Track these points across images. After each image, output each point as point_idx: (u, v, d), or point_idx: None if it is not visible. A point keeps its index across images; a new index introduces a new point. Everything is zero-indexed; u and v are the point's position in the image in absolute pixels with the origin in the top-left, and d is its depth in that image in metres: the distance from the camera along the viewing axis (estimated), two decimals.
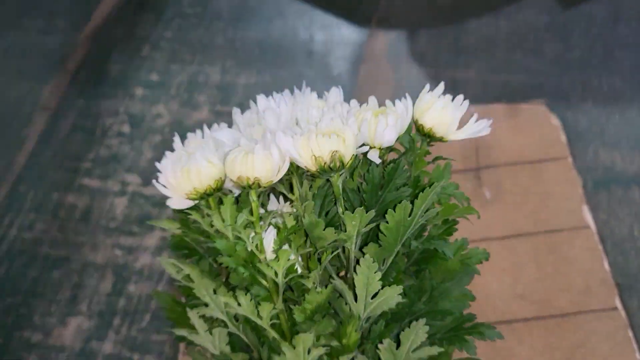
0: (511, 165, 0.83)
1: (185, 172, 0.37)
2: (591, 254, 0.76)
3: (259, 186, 0.35)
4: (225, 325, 0.39)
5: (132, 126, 0.93)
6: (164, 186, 0.39)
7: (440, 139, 0.40)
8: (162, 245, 0.82)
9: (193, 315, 0.38)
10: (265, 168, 0.34)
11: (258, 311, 0.37)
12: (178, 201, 0.38)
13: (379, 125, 0.36)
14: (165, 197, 0.41)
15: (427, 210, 0.38)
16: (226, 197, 0.36)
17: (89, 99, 0.97)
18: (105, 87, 0.99)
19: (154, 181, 0.42)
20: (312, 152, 0.34)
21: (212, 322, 0.41)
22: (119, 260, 0.81)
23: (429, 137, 0.40)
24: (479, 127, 0.40)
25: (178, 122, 0.93)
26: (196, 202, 0.38)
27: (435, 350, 0.39)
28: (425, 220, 0.39)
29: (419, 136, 0.40)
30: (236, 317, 0.40)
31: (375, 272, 0.36)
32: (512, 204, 0.81)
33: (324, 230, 0.36)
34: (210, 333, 0.39)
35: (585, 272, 0.76)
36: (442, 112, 0.39)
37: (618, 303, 0.73)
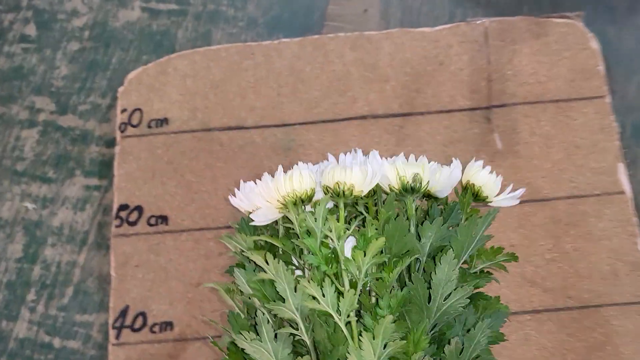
0: (531, 105, 0.65)
1: (289, 177, 0.41)
2: (622, 229, 0.60)
3: (351, 194, 0.40)
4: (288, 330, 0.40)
5: (39, 27, 0.73)
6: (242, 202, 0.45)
7: (485, 199, 0.47)
8: (87, 196, 0.66)
9: (261, 317, 0.39)
10: (359, 178, 0.40)
11: (338, 305, 0.38)
12: (265, 214, 0.42)
13: (442, 173, 0.45)
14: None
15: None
16: (322, 198, 0.40)
17: None
18: None
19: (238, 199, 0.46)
20: (397, 172, 0.41)
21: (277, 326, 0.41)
22: (31, 215, 0.65)
23: (476, 196, 0.46)
24: (513, 195, 0.46)
25: (101, 24, 0.72)
26: (284, 212, 0.42)
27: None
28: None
29: (465, 195, 0.46)
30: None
31: (453, 270, 0.39)
32: (528, 158, 0.63)
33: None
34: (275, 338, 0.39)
35: (614, 253, 0.60)
36: (489, 177, 0.46)
37: None
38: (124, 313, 0.62)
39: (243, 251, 0.43)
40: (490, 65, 0.66)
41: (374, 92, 0.66)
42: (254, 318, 0.41)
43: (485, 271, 0.45)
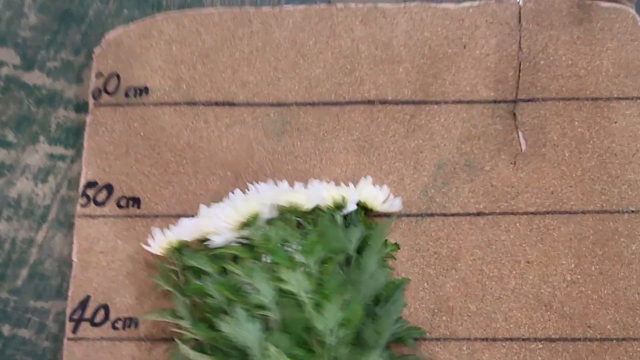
0: (564, 101, 0.56)
1: (246, 202, 0.51)
2: None
3: (298, 210, 0.52)
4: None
5: None
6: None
7: (372, 210, 0.55)
8: (50, 166, 0.58)
9: (238, 308, 0.49)
10: (305, 198, 0.51)
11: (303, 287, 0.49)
12: (223, 236, 0.51)
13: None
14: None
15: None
16: (277, 216, 0.52)
17: None
18: None
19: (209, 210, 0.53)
20: (331, 194, 0.52)
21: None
22: None
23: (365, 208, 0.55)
24: (395, 203, 0.55)
25: None
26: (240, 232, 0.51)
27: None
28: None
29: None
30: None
31: (374, 257, 0.51)
32: (555, 163, 0.55)
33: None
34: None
35: None
36: (371, 191, 0.54)
37: None
38: (83, 304, 0.55)
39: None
40: (521, 52, 0.57)
41: (385, 74, 0.57)
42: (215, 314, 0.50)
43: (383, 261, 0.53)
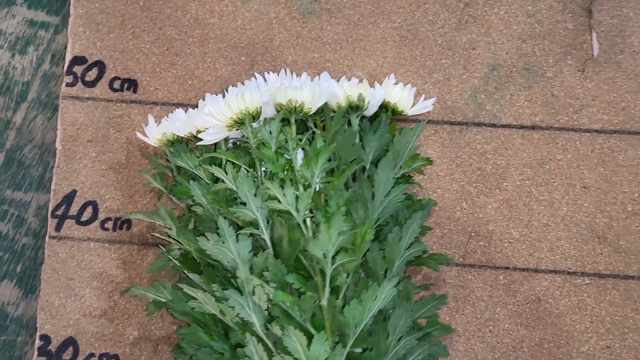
0: None
1: (240, 96, 0.43)
2: None
3: (301, 111, 0.44)
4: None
5: None
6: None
7: (401, 113, 0.48)
8: (30, 35, 0.49)
9: (222, 221, 0.42)
10: (310, 96, 0.44)
11: (297, 204, 0.43)
12: (213, 133, 0.44)
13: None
14: None
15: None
16: (276, 115, 0.44)
17: None
18: None
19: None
20: (345, 92, 0.45)
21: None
22: None
23: (394, 111, 0.48)
24: (426, 104, 0.48)
25: None
26: (237, 128, 0.45)
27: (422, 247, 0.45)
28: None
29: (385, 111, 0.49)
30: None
31: (391, 171, 0.44)
32: (633, 75, 0.48)
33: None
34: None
35: None
36: (401, 92, 0.47)
37: None
38: (68, 199, 0.48)
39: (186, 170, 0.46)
40: None
41: None
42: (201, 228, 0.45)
43: (407, 175, 0.47)
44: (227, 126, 0.44)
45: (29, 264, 0.49)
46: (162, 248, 0.45)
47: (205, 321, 0.44)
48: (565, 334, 0.46)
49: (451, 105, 0.48)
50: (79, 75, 0.48)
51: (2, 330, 0.48)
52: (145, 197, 0.48)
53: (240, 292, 0.42)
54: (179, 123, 0.45)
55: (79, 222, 0.48)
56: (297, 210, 0.42)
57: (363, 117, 0.47)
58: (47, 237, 0.48)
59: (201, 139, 0.44)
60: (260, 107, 0.44)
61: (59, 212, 0.48)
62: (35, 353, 0.46)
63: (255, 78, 0.47)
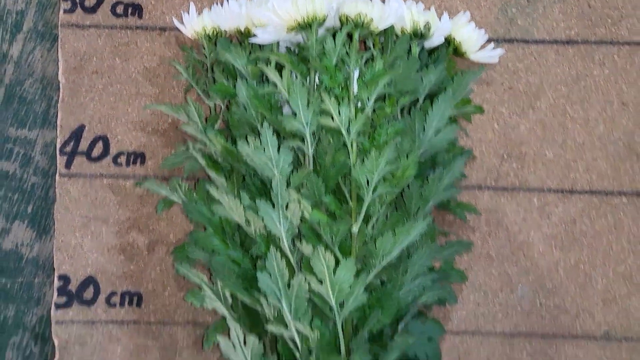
0: None
1: None
2: None
3: (368, 27, 0.43)
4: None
5: None
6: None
7: (463, 54, 0.46)
8: None
9: (267, 128, 0.42)
10: (379, 13, 0.42)
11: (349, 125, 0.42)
12: (272, 33, 0.43)
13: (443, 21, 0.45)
14: None
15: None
16: (343, 26, 0.43)
17: None
18: None
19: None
20: (412, 16, 0.43)
21: None
22: None
23: (455, 50, 0.46)
24: (493, 54, 0.46)
25: None
26: (297, 32, 0.43)
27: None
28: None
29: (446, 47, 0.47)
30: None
31: (448, 109, 0.43)
32: None
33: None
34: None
35: None
36: (472, 32, 0.45)
37: None
38: (77, 135, 0.46)
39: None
40: None
41: None
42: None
43: (454, 118, 0.46)
44: (288, 27, 0.42)
45: (40, 203, 0.47)
46: (184, 145, 0.44)
47: (223, 228, 0.43)
48: (602, 255, 0.45)
49: (480, 21, 0.46)
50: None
51: (18, 272, 0.47)
52: (159, 128, 0.46)
53: (273, 205, 0.41)
54: (228, 15, 0.44)
55: (89, 159, 0.46)
56: (348, 132, 0.41)
57: (422, 48, 0.45)
58: (57, 175, 0.46)
59: (253, 36, 0.42)
60: (327, 14, 0.42)
61: (68, 149, 0.46)
62: (55, 293, 0.45)
63: None
